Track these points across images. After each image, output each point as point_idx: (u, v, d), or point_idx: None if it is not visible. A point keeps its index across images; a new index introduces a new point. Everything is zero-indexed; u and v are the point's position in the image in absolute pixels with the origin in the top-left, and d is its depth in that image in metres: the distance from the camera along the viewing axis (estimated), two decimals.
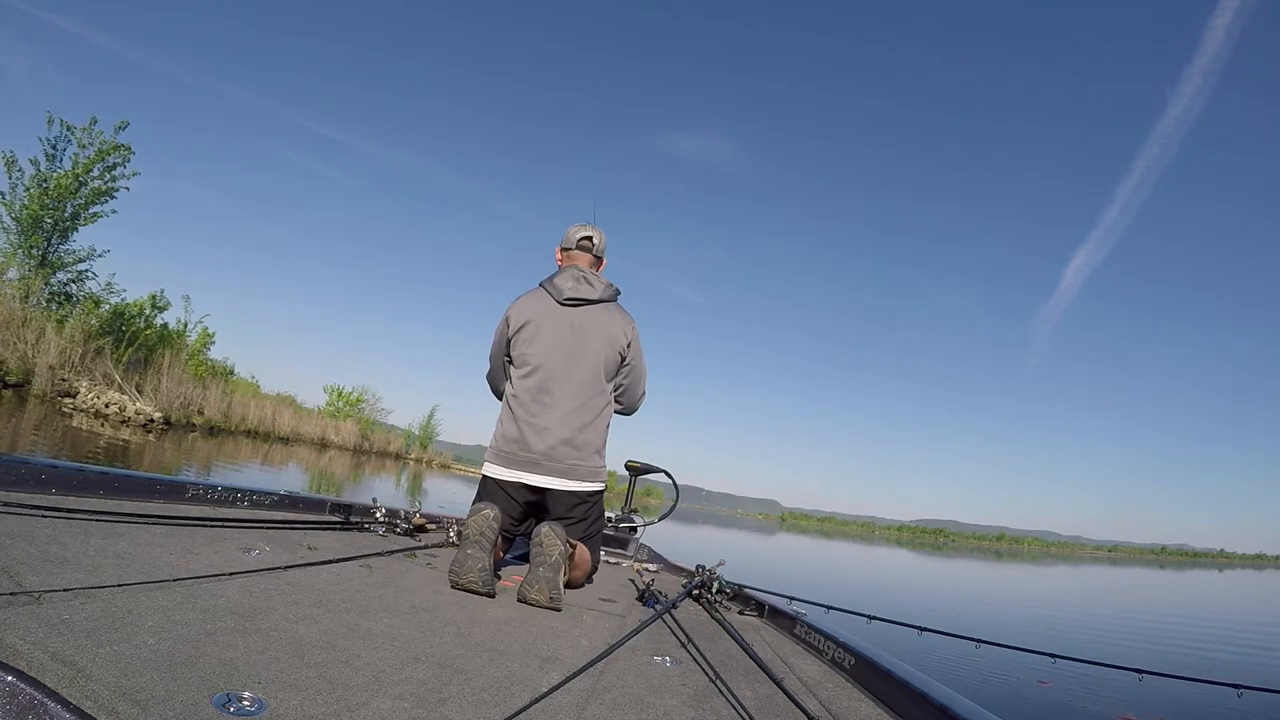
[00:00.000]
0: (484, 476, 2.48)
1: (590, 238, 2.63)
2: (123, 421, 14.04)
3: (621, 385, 2.58)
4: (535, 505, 2.45)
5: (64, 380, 14.29)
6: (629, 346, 2.51)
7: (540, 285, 2.56)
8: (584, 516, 2.41)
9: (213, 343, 19.86)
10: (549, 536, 2.01)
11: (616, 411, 2.62)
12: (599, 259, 2.66)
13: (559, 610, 1.96)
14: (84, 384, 14.49)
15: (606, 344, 2.46)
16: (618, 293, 2.58)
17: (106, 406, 14.24)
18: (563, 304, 2.47)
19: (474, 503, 2.21)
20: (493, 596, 1.96)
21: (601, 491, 2.48)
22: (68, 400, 14.06)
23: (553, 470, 2.38)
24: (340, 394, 28.69)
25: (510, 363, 2.53)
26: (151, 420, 14.90)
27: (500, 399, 2.60)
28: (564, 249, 2.67)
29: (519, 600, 1.97)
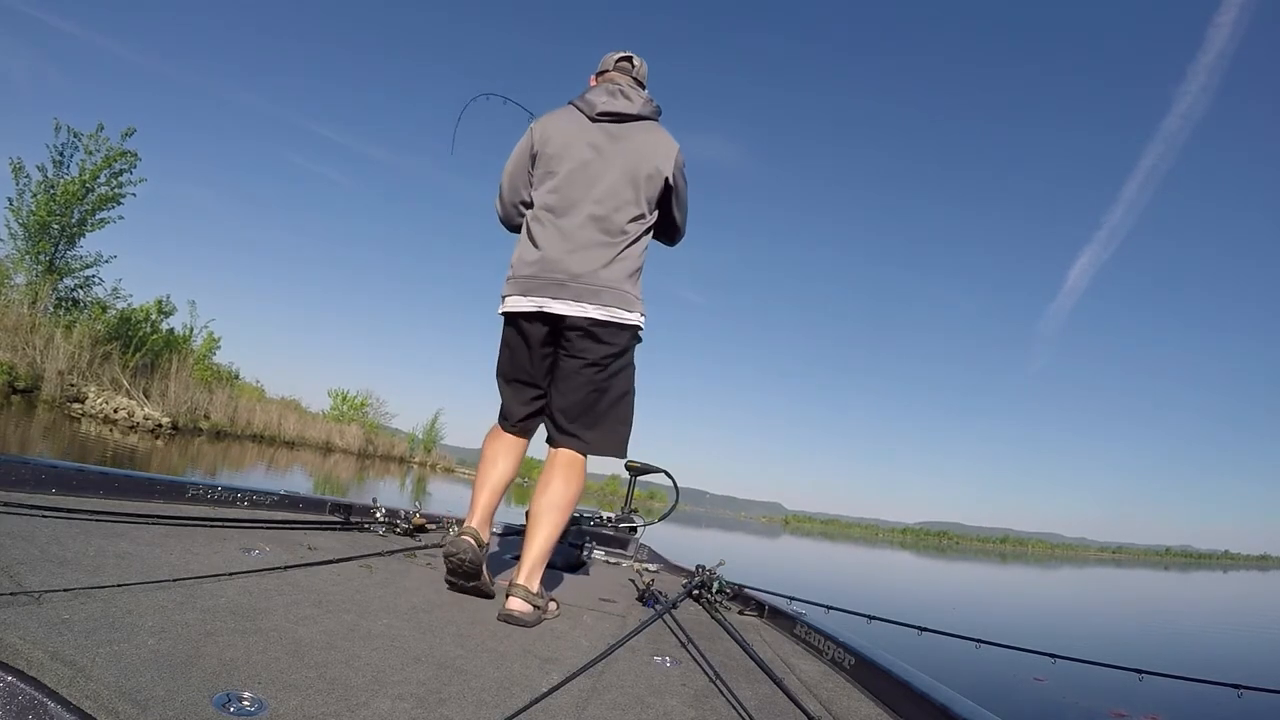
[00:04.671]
0: (503, 319, 2.15)
1: (630, 58, 2.29)
2: (131, 427, 14.09)
3: (664, 215, 2.24)
4: (552, 352, 2.11)
5: (72, 385, 14.36)
6: (673, 170, 2.16)
7: (570, 103, 2.22)
8: (606, 364, 2.06)
9: (218, 347, 19.94)
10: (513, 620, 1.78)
11: (656, 238, 2.30)
12: (639, 83, 2.29)
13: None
14: (92, 389, 14.56)
15: (644, 164, 2.12)
16: (659, 110, 2.24)
17: (115, 412, 14.30)
18: (595, 119, 2.14)
19: (498, 367, 2.16)
20: (491, 597, 1.97)
21: (636, 328, 2.10)
22: (76, 405, 14.12)
23: (578, 294, 2.02)
24: (345, 398, 28.79)
25: (532, 184, 2.19)
26: (159, 425, 14.96)
27: (511, 229, 2.27)
28: (599, 73, 2.32)
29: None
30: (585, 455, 2.10)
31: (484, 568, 1.97)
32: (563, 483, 2.04)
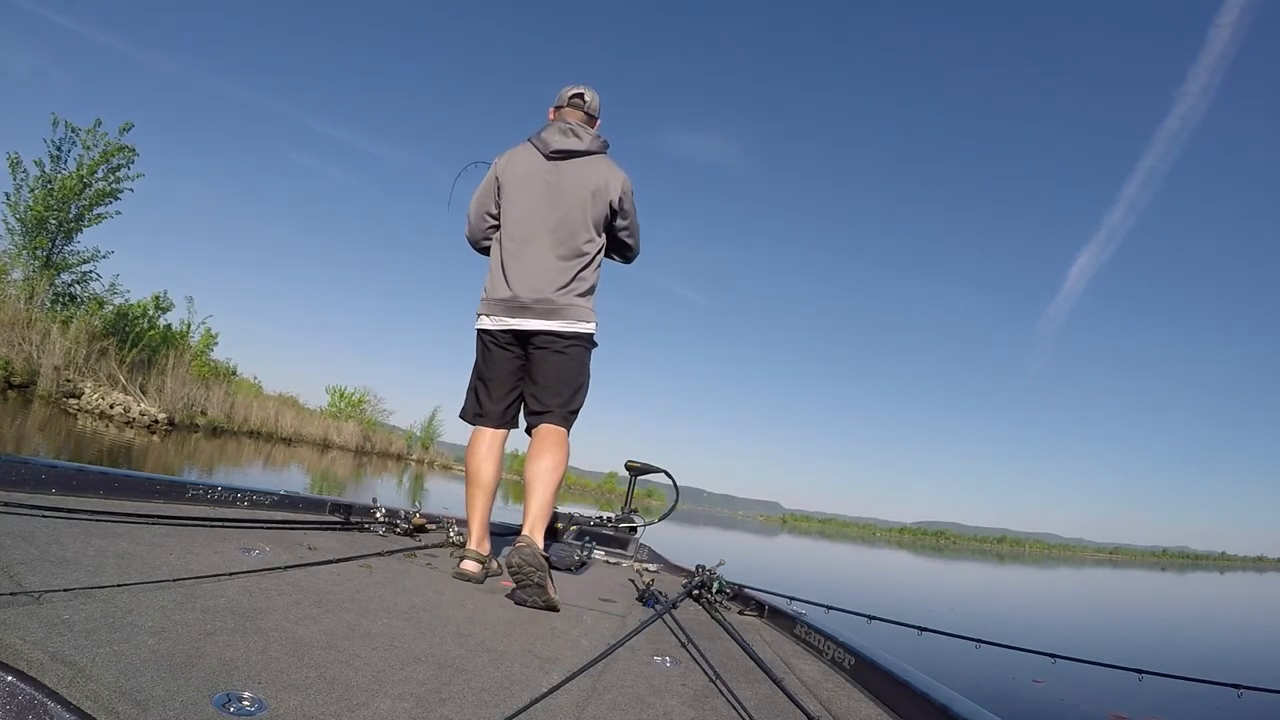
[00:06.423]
0: (477, 335, 2.50)
1: (582, 95, 2.60)
2: (127, 422, 14.07)
3: (615, 238, 2.57)
4: (524, 364, 2.46)
5: (69, 381, 14.32)
6: (621, 199, 2.48)
7: (528, 139, 2.54)
8: (570, 354, 2.40)
9: (216, 343, 19.89)
10: (524, 558, 1.96)
11: (612, 257, 2.64)
12: (592, 117, 2.62)
13: (557, 610, 1.96)
14: (89, 385, 14.52)
15: (595, 195, 2.43)
16: (607, 145, 2.55)
17: (111, 407, 14.27)
18: (549, 157, 2.46)
19: (467, 397, 2.51)
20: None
21: (590, 335, 2.46)
22: (72, 401, 14.09)
23: (541, 314, 2.37)
24: (342, 395, 28.74)
25: (498, 215, 2.52)
26: (156, 421, 14.92)
27: (477, 249, 2.61)
28: (556, 107, 2.63)
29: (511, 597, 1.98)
30: (565, 428, 2.38)
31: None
32: (551, 453, 2.30)
